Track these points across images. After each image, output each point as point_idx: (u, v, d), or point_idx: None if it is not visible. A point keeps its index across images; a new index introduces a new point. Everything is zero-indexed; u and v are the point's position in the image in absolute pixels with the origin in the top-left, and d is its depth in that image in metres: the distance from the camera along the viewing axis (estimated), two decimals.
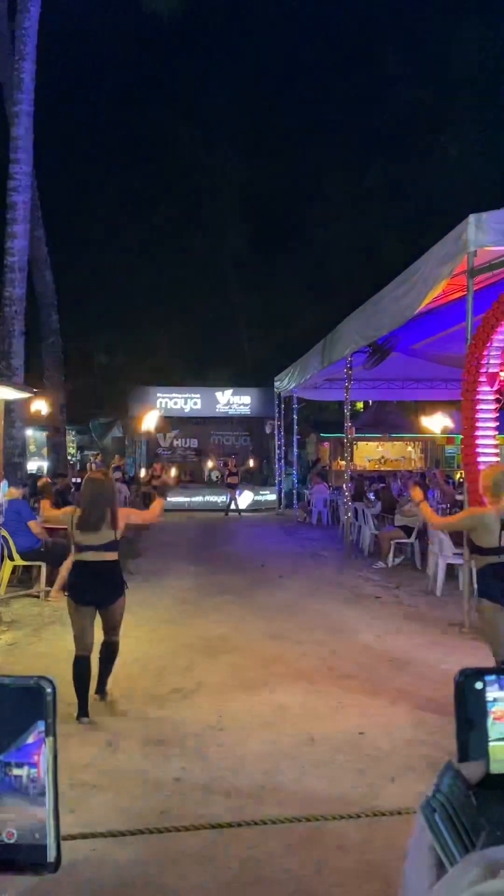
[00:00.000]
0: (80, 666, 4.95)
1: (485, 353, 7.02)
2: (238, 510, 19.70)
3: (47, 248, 17.58)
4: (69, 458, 22.26)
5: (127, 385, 24.66)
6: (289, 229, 27.49)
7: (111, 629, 5.19)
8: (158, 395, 23.80)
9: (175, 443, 24.61)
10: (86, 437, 30.70)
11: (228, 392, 23.91)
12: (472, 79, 23.74)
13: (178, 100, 27.87)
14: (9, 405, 12.55)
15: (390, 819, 3.54)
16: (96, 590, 5.05)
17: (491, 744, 0.73)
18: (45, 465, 20.44)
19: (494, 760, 0.72)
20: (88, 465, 21.90)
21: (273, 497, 20.79)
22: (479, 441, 7.13)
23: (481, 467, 7.04)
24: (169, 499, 21.79)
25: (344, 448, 14.24)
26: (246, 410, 23.89)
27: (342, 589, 9.44)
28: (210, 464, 22.99)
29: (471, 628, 7.01)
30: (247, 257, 27.85)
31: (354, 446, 18.67)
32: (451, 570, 8.95)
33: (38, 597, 8.61)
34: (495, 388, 7.09)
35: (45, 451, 21.53)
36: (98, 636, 5.14)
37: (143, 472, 19.44)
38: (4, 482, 9.17)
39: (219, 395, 23.88)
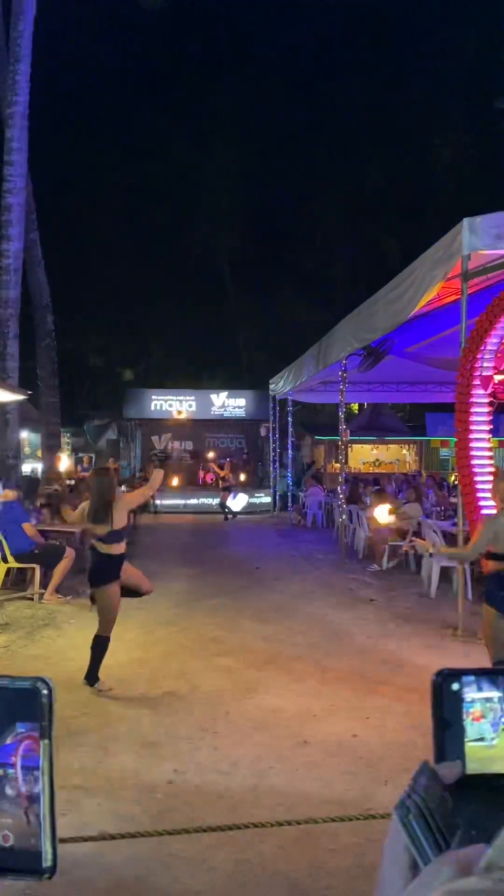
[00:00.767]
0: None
1: (478, 356, 7.04)
2: (232, 513, 19.68)
3: (42, 250, 17.56)
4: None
5: (122, 387, 24.64)
6: (284, 232, 27.53)
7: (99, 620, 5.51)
8: (153, 397, 23.78)
9: (170, 445, 24.58)
10: (80, 440, 30.63)
11: (223, 394, 23.89)
12: (468, 82, 23.84)
13: (175, 101, 27.91)
14: (4, 407, 12.54)
15: (383, 821, 3.54)
16: (90, 577, 5.53)
17: (468, 744, 0.73)
18: (38, 467, 20.39)
19: (471, 761, 0.73)
20: (77, 466, 21.86)
21: (268, 500, 20.78)
22: (472, 444, 7.15)
23: (475, 470, 7.07)
24: (164, 501, 21.64)
25: (338, 451, 14.25)
26: (241, 413, 23.88)
27: (336, 591, 9.45)
28: (210, 466, 22.89)
29: (464, 631, 7.03)
30: (242, 260, 27.89)
31: (349, 449, 18.68)
32: (445, 573, 8.96)
33: (32, 599, 8.58)
34: (489, 391, 7.11)
35: (38, 452, 21.48)
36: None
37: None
38: None
39: (214, 397, 23.86)
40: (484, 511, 6.73)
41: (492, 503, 6.80)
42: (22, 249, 13.60)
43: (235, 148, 27.17)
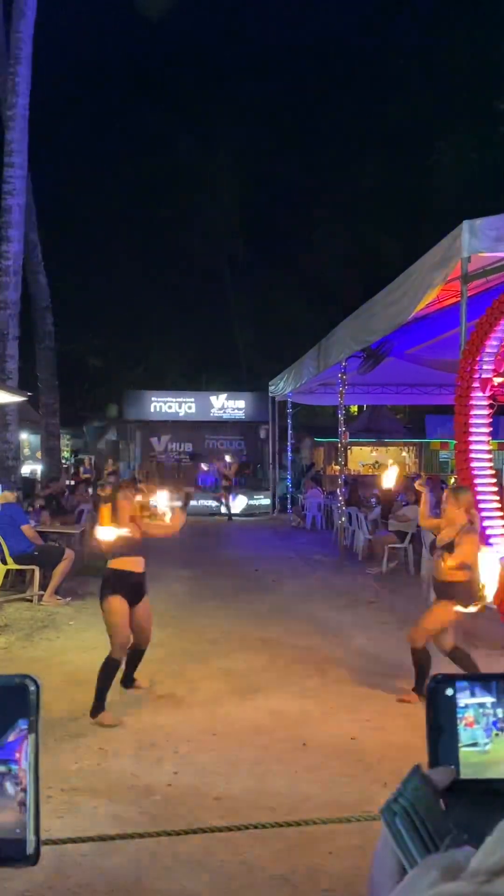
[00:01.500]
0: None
1: (478, 358, 7.04)
2: (230, 514, 19.69)
3: (42, 252, 17.56)
4: (63, 461, 22.20)
5: (121, 388, 24.65)
6: (284, 234, 27.55)
7: None
8: (153, 398, 23.78)
9: (169, 447, 24.59)
10: (80, 441, 30.65)
11: (223, 396, 23.90)
12: (467, 84, 23.87)
13: (176, 103, 27.95)
14: (3, 408, 12.54)
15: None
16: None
17: (461, 749, 0.74)
18: (38, 468, 20.39)
19: (465, 766, 0.74)
20: (78, 468, 21.88)
21: (267, 501, 20.77)
22: (472, 446, 7.15)
23: (475, 472, 7.07)
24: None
25: (338, 453, 14.25)
26: (240, 415, 23.88)
27: (336, 593, 9.44)
28: (204, 467, 22.92)
29: (464, 635, 7.01)
30: (242, 261, 27.90)
31: (348, 451, 18.68)
32: None
33: (31, 600, 8.58)
34: (488, 393, 7.11)
35: (38, 454, 21.48)
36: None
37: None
38: None
39: (213, 399, 23.87)
40: (483, 513, 6.74)
41: (493, 505, 6.83)
42: (22, 251, 13.61)
43: (235, 150, 27.19)
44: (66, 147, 25.98)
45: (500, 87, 23.15)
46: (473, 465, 7.10)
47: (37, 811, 0.71)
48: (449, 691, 0.76)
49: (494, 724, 0.75)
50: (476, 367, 7.05)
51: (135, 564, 5.19)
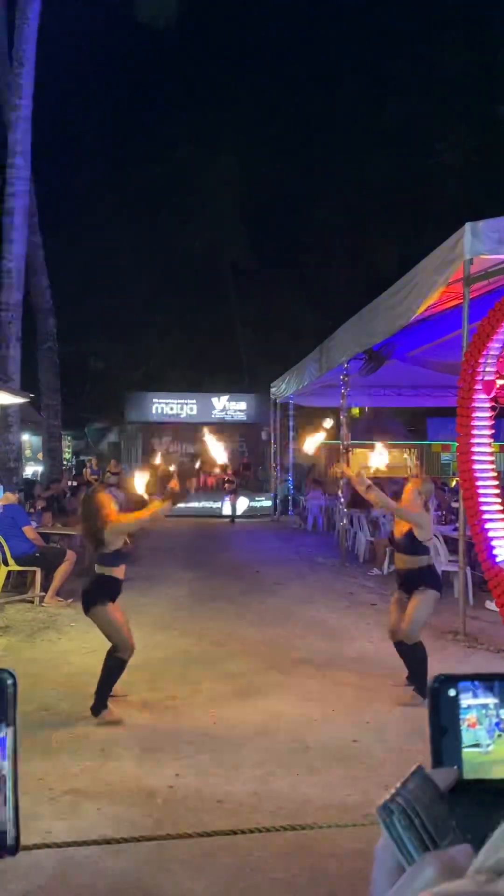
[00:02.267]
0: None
1: (480, 360, 7.04)
2: (233, 516, 19.69)
3: (44, 253, 17.59)
4: (64, 463, 22.23)
5: (123, 390, 24.67)
6: (286, 236, 27.57)
7: None
8: (154, 400, 23.80)
9: (171, 448, 24.61)
10: (81, 442, 30.68)
11: (224, 398, 23.91)
12: (467, 86, 23.88)
13: (177, 106, 28.00)
14: (5, 410, 12.56)
15: None
16: (83, 599, 5.21)
17: (464, 750, 0.74)
18: (39, 469, 20.41)
19: (467, 767, 0.74)
20: (84, 469, 21.89)
21: (268, 503, 20.77)
22: (474, 449, 7.14)
23: (477, 475, 7.06)
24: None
25: (340, 455, 14.25)
26: (242, 416, 23.89)
27: (337, 595, 9.43)
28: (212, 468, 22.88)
29: (466, 635, 7.01)
30: (244, 264, 27.92)
31: (350, 453, 18.66)
32: (446, 577, 8.95)
33: (32, 602, 8.58)
34: (491, 395, 7.11)
35: (40, 455, 21.50)
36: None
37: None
38: (0, 487, 9.17)
39: (215, 400, 23.89)
40: (485, 516, 6.74)
41: (495, 508, 6.82)
42: (24, 253, 13.63)
43: (237, 152, 27.22)
44: (68, 149, 26.06)
45: (502, 89, 23.17)
46: (475, 467, 7.09)
47: (16, 804, 0.73)
48: (451, 692, 0.76)
49: (497, 725, 0.75)
50: (478, 370, 7.04)
51: (123, 572, 5.19)
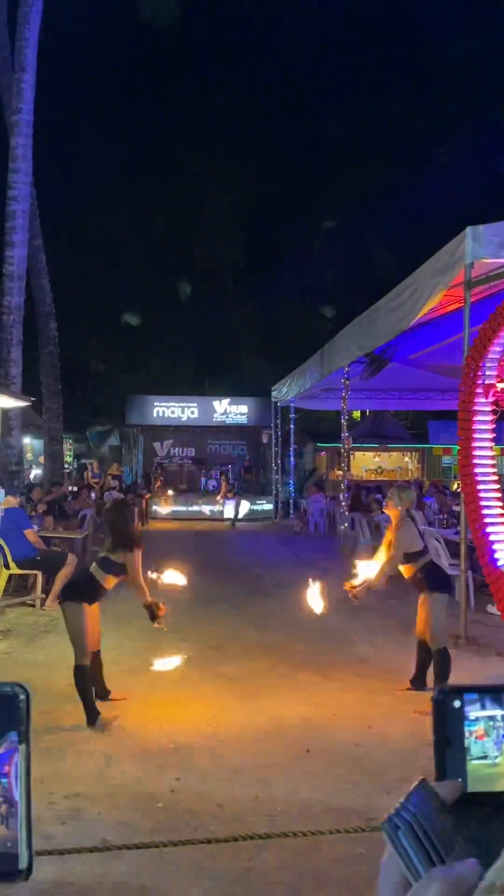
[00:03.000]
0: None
1: (481, 364, 7.04)
2: (235, 520, 19.68)
3: (45, 257, 17.62)
4: (65, 466, 22.23)
5: (124, 393, 24.68)
6: (286, 240, 27.59)
7: None
8: (155, 403, 23.82)
9: (172, 451, 24.61)
10: (82, 446, 30.66)
11: (225, 401, 23.92)
12: (468, 90, 23.92)
13: (178, 110, 28.03)
14: (7, 413, 12.56)
15: None
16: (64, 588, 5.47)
17: (470, 762, 0.73)
18: (40, 472, 20.41)
19: (473, 779, 0.73)
20: (85, 472, 21.89)
21: (269, 507, 20.77)
22: (475, 452, 7.14)
23: (478, 478, 7.06)
24: (165, 508, 21.54)
25: (341, 458, 14.25)
26: (243, 420, 23.90)
27: (338, 599, 9.40)
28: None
29: (467, 640, 7.00)
30: (245, 267, 27.95)
31: (351, 456, 18.67)
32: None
33: (33, 605, 8.58)
34: (491, 399, 7.11)
35: (41, 459, 21.50)
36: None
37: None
38: (1, 491, 9.17)
39: (216, 404, 23.89)
40: (487, 519, 6.73)
41: (496, 511, 6.81)
42: (26, 256, 13.66)
43: (237, 156, 27.27)
44: (69, 153, 26.05)
45: (502, 92, 23.21)
46: (476, 470, 7.09)
47: (28, 825, 0.68)
48: (456, 703, 0.75)
49: None
50: (479, 373, 7.04)
51: (112, 584, 5.18)
